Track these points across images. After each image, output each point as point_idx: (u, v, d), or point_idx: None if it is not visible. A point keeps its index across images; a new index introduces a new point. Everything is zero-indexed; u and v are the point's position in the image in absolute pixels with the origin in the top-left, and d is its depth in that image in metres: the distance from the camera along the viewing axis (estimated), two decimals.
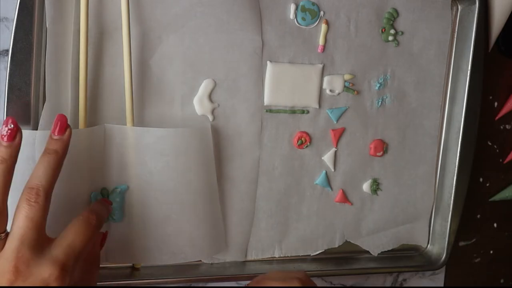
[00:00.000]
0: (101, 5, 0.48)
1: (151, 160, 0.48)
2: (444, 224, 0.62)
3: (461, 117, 0.60)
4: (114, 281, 0.51)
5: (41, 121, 0.46)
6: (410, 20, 0.58)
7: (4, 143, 0.39)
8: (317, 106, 0.56)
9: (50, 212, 0.41)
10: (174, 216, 0.50)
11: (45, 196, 0.38)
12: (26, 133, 0.44)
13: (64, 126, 0.41)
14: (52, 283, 0.37)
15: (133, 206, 0.49)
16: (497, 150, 0.66)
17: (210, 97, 0.52)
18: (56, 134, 0.41)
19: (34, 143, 0.44)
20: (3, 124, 0.39)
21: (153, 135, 0.48)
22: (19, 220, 0.38)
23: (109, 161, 0.49)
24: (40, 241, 0.38)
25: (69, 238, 0.39)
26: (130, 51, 0.48)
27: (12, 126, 0.39)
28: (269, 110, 0.55)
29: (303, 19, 0.54)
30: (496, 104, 0.65)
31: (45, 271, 0.37)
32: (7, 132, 0.39)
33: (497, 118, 0.65)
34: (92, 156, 0.48)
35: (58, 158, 0.40)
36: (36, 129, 0.46)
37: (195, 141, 0.50)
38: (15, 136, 0.39)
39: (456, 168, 0.60)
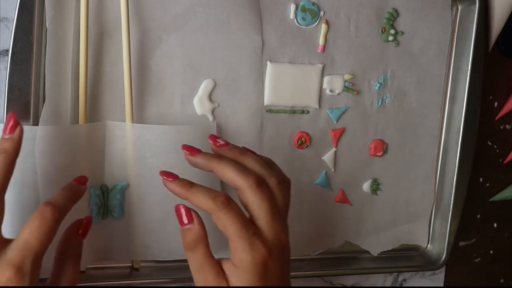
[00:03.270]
0: (101, 5, 0.48)
1: (152, 157, 0.48)
2: (444, 224, 0.62)
3: (461, 117, 0.60)
4: (113, 281, 0.51)
5: (41, 121, 0.46)
6: (410, 20, 0.58)
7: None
8: (317, 106, 0.56)
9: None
10: (174, 214, 0.50)
11: None
12: (26, 128, 0.44)
13: (14, 124, 0.40)
14: (10, 285, 0.36)
15: (133, 203, 0.49)
16: (497, 150, 0.66)
17: (210, 97, 0.52)
18: (6, 133, 0.40)
19: (34, 139, 0.44)
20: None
21: (154, 132, 0.49)
22: None
23: (110, 157, 0.49)
24: None
25: (23, 238, 0.37)
26: (129, 51, 0.48)
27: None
28: (269, 110, 0.55)
29: (303, 19, 0.54)
30: (496, 104, 0.65)
31: (2, 275, 0.36)
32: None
33: (497, 118, 0.65)
34: (93, 152, 0.48)
35: (8, 156, 0.39)
36: None
37: (197, 138, 0.50)
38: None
39: (456, 168, 0.60)
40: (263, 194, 0.42)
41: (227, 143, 0.45)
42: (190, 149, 0.44)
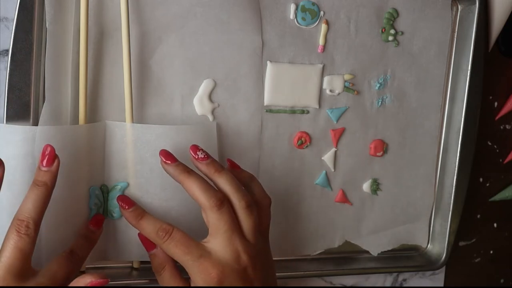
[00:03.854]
0: (101, 5, 0.48)
1: (152, 157, 0.48)
2: (444, 224, 0.62)
3: (461, 117, 0.60)
4: (113, 281, 0.51)
5: (41, 121, 0.46)
6: (410, 20, 0.58)
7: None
8: (317, 106, 0.56)
9: (48, 208, 0.42)
10: (174, 213, 0.50)
11: (34, 228, 0.40)
12: (26, 128, 0.44)
13: (52, 157, 0.42)
14: None
15: None
16: (497, 150, 0.66)
17: (210, 97, 0.52)
18: (44, 165, 0.42)
19: (34, 139, 0.44)
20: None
21: (154, 132, 0.49)
22: (7, 250, 0.39)
23: (110, 157, 0.49)
24: (25, 271, 0.40)
25: (52, 270, 0.41)
26: (129, 52, 0.48)
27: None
28: (269, 110, 0.55)
29: (303, 19, 0.54)
30: (496, 104, 0.65)
31: None
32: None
33: (497, 118, 0.65)
34: (92, 152, 0.48)
35: (47, 190, 0.41)
36: None
37: (197, 138, 0.50)
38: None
39: (456, 168, 0.60)
40: (222, 216, 0.44)
41: (207, 157, 0.47)
42: (166, 156, 0.46)
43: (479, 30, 0.58)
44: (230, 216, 0.44)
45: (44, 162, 0.42)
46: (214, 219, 0.44)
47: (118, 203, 0.47)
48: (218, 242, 0.44)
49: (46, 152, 0.42)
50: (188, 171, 0.45)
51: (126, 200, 0.47)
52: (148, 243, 0.47)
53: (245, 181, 0.49)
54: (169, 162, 0.46)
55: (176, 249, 0.43)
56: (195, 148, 0.47)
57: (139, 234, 0.47)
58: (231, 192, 0.45)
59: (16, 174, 0.44)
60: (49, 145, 0.42)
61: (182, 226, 0.49)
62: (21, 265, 0.39)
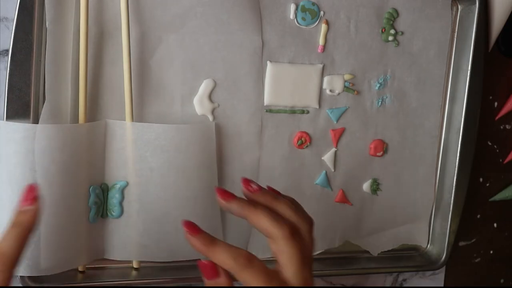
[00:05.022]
0: (101, 5, 0.48)
1: (152, 156, 0.49)
2: (444, 224, 0.62)
3: (461, 117, 0.60)
4: (113, 281, 0.51)
5: (41, 120, 0.46)
6: (410, 20, 0.58)
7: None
8: (317, 106, 0.56)
9: (48, 206, 0.41)
10: (173, 213, 0.50)
11: (10, 265, 0.36)
12: (27, 126, 0.44)
13: (33, 197, 0.38)
14: None
15: (132, 203, 0.49)
16: (497, 150, 0.66)
17: (210, 97, 0.52)
18: (22, 204, 0.38)
19: (34, 137, 0.44)
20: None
21: (154, 131, 0.49)
22: None
23: (110, 156, 0.49)
24: None
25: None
26: (129, 51, 0.48)
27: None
28: (269, 110, 0.55)
29: (303, 19, 0.54)
30: (496, 104, 0.65)
31: None
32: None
33: (497, 118, 0.65)
34: (92, 151, 0.48)
35: (24, 230, 0.38)
36: None
37: (196, 138, 0.50)
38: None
39: (456, 168, 0.60)
40: (295, 244, 0.42)
41: (260, 188, 0.44)
42: (224, 194, 0.43)
43: (479, 30, 0.58)
44: (301, 243, 0.42)
45: (24, 201, 0.38)
46: (288, 247, 0.42)
47: (184, 228, 0.42)
48: (292, 271, 0.42)
49: (28, 193, 0.38)
50: (252, 204, 0.43)
51: (192, 227, 0.42)
52: (211, 271, 0.41)
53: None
54: (230, 200, 0.43)
55: (257, 279, 0.40)
56: (247, 181, 0.44)
57: (200, 262, 0.41)
58: (293, 217, 0.43)
59: (16, 171, 0.44)
60: (31, 185, 0.39)
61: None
62: None
